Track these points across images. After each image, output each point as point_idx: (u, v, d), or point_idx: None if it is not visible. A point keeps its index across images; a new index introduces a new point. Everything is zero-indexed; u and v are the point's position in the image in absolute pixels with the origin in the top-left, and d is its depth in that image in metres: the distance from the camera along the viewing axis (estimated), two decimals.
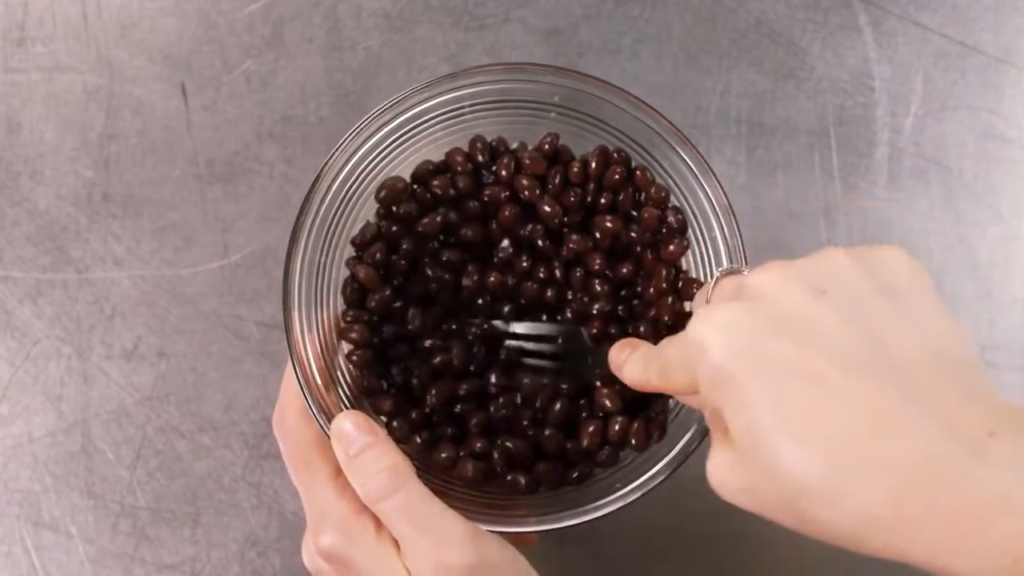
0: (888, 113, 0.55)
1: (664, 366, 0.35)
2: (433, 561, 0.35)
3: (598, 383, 0.43)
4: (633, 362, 0.37)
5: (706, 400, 0.30)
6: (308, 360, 0.40)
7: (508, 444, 0.42)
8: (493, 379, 0.44)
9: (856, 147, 0.55)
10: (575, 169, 0.43)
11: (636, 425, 0.41)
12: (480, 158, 0.44)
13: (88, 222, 0.54)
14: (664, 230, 0.43)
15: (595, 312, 0.44)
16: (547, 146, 0.43)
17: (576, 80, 0.42)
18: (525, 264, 0.45)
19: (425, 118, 0.43)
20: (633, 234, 0.43)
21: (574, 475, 0.42)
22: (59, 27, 0.55)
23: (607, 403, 0.42)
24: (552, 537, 0.45)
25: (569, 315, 0.45)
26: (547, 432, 0.43)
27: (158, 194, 0.54)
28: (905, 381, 0.28)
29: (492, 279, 0.44)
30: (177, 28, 0.55)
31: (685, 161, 0.41)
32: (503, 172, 0.43)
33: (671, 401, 0.42)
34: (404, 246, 0.43)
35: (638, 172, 0.43)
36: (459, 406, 0.43)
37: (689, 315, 0.42)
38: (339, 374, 0.42)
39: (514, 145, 0.45)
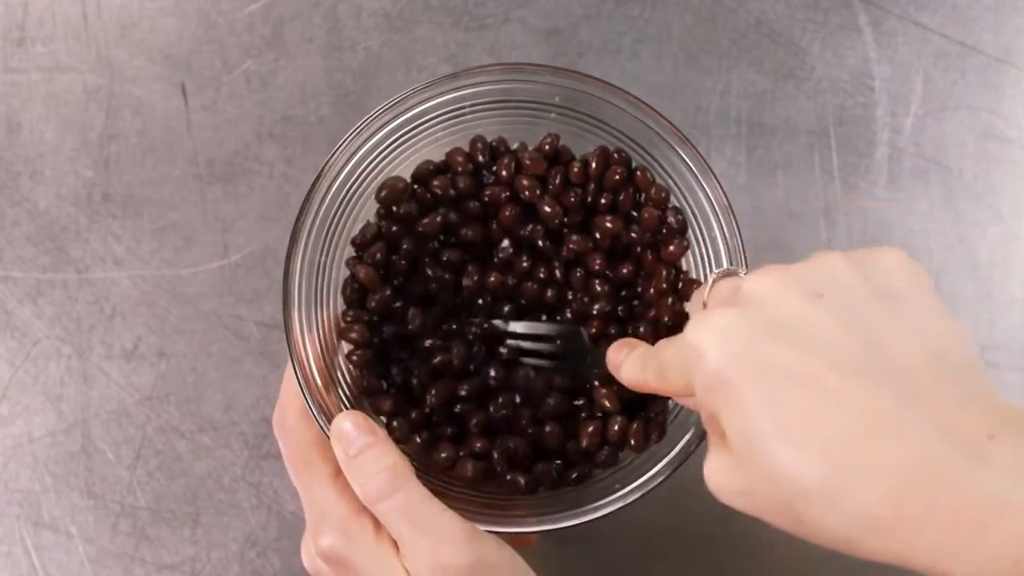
0: (888, 113, 0.55)
1: (661, 368, 0.35)
2: (431, 561, 0.35)
3: (596, 383, 0.43)
4: (631, 362, 0.37)
5: (702, 404, 0.30)
6: (308, 360, 0.40)
7: (508, 443, 0.42)
8: (492, 372, 0.44)
9: (856, 147, 0.55)
10: (575, 169, 0.43)
11: (635, 426, 0.41)
12: (480, 158, 0.44)
13: (88, 222, 0.54)
14: (664, 230, 0.43)
15: (595, 312, 0.44)
16: (547, 146, 0.43)
17: (576, 80, 0.42)
18: (525, 264, 0.45)
19: (425, 118, 0.43)
20: (633, 234, 0.43)
21: (573, 475, 0.43)
22: (59, 27, 0.55)
23: (606, 403, 0.42)
24: (552, 537, 0.45)
25: (569, 315, 0.45)
26: (547, 428, 0.43)
27: (158, 194, 0.54)
28: (902, 384, 0.28)
29: (492, 279, 0.44)
30: (177, 28, 0.55)
31: (685, 161, 0.41)
32: (503, 172, 0.43)
33: (670, 402, 0.42)
34: (404, 246, 0.43)
35: (638, 172, 0.43)
36: (459, 406, 0.43)
37: (688, 316, 0.42)
38: (339, 374, 0.42)
39: (514, 145, 0.45)
